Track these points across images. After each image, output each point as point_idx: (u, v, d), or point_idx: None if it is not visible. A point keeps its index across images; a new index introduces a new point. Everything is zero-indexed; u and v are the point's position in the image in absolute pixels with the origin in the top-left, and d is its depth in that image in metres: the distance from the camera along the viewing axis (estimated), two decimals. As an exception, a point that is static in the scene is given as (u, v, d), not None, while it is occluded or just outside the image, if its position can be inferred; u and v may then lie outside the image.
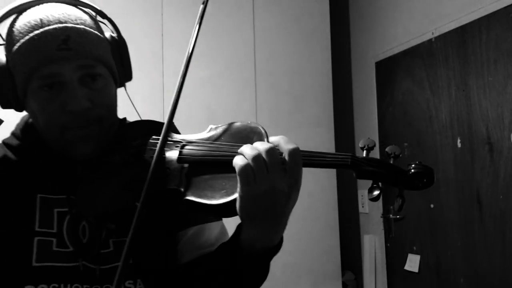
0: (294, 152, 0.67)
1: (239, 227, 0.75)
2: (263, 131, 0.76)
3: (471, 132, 2.24)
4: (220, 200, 0.69)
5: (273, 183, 0.66)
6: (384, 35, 2.88)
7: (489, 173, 2.14)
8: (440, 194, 2.43)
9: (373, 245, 2.95)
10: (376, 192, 0.68)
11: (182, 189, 0.72)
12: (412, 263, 2.61)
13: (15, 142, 0.87)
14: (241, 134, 0.77)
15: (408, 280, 2.65)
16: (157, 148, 0.70)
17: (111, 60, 0.85)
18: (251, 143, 0.71)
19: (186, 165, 0.75)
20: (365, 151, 0.71)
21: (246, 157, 0.66)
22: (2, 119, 0.88)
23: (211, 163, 0.74)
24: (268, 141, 0.72)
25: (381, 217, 2.86)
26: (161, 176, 0.73)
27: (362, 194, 3.05)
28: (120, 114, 0.93)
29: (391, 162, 0.70)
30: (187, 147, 0.77)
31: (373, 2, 3.00)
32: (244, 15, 2.74)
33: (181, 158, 0.76)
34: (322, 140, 2.82)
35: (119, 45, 0.88)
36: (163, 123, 0.77)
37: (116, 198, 0.78)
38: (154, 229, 0.84)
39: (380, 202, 2.87)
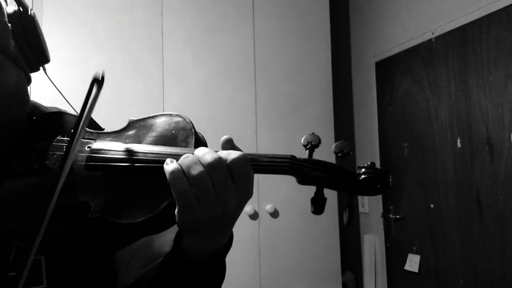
0: (243, 161, 0.54)
1: (178, 235, 0.62)
2: (188, 125, 0.63)
3: (471, 132, 2.24)
4: (138, 218, 0.56)
5: (223, 203, 0.54)
6: (384, 35, 2.88)
7: (489, 173, 2.14)
8: (440, 194, 2.43)
9: (373, 245, 2.95)
10: (322, 204, 0.56)
11: (92, 204, 0.60)
12: (412, 263, 2.61)
13: None
14: (165, 131, 0.64)
15: (408, 280, 2.65)
16: (65, 154, 0.55)
17: (6, 41, 0.70)
18: (177, 142, 0.62)
19: (98, 172, 0.62)
20: (307, 151, 0.58)
21: (189, 177, 0.54)
22: None
23: (129, 171, 0.60)
24: (196, 138, 0.62)
25: (381, 217, 2.86)
26: (68, 187, 0.59)
27: (362, 194, 3.05)
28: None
29: (338, 163, 0.57)
30: (99, 149, 0.63)
31: (373, 2, 3.00)
32: (244, 15, 2.73)
33: (89, 165, 0.62)
34: (322, 141, 2.81)
35: (23, 22, 0.72)
36: (75, 116, 0.65)
37: (21, 213, 0.64)
38: (79, 252, 0.70)
39: (380, 202, 2.87)
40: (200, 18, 2.65)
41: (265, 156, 0.57)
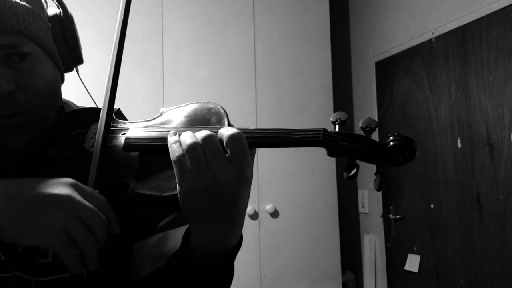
0: (234, 137, 0.57)
1: (187, 231, 0.65)
2: (222, 110, 0.67)
3: (471, 132, 2.24)
4: (174, 192, 0.60)
5: (214, 176, 0.56)
6: (384, 35, 2.88)
7: (489, 173, 2.14)
8: (440, 194, 2.43)
9: (373, 245, 2.95)
10: (353, 171, 0.59)
11: (130, 182, 0.63)
12: (412, 263, 2.61)
13: None
14: (198, 116, 0.68)
15: (408, 280, 2.65)
16: (98, 136, 0.59)
17: (48, 39, 0.74)
18: (210, 125, 0.65)
19: (134, 153, 0.66)
20: (337, 126, 0.63)
21: (183, 146, 0.58)
22: None
23: (162, 150, 0.62)
24: (228, 122, 0.66)
25: (381, 217, 2.86)
26: (106, 169, 0.63)
27: (362, 194, 3.05)
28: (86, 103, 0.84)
29: (366, 136, 0.62)
30: (134, 133, 0.67)
31: (373, 2, 3.00)
32: (245, 15, 2.73)
33: (127, 146, 0.66)
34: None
35: (62, 22, 0.77)
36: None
37: None
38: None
39: (380, 202, 2.87)
40: (200, 17, 2.65)
41: (298, 130, 0.61)
